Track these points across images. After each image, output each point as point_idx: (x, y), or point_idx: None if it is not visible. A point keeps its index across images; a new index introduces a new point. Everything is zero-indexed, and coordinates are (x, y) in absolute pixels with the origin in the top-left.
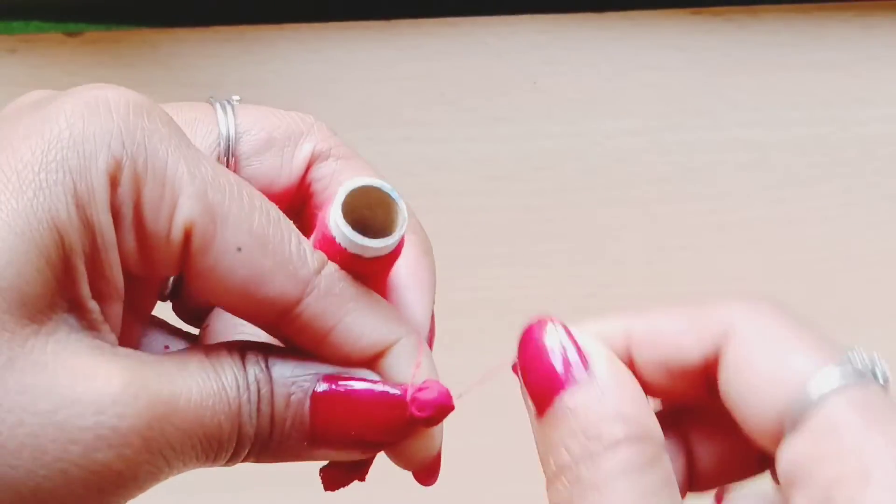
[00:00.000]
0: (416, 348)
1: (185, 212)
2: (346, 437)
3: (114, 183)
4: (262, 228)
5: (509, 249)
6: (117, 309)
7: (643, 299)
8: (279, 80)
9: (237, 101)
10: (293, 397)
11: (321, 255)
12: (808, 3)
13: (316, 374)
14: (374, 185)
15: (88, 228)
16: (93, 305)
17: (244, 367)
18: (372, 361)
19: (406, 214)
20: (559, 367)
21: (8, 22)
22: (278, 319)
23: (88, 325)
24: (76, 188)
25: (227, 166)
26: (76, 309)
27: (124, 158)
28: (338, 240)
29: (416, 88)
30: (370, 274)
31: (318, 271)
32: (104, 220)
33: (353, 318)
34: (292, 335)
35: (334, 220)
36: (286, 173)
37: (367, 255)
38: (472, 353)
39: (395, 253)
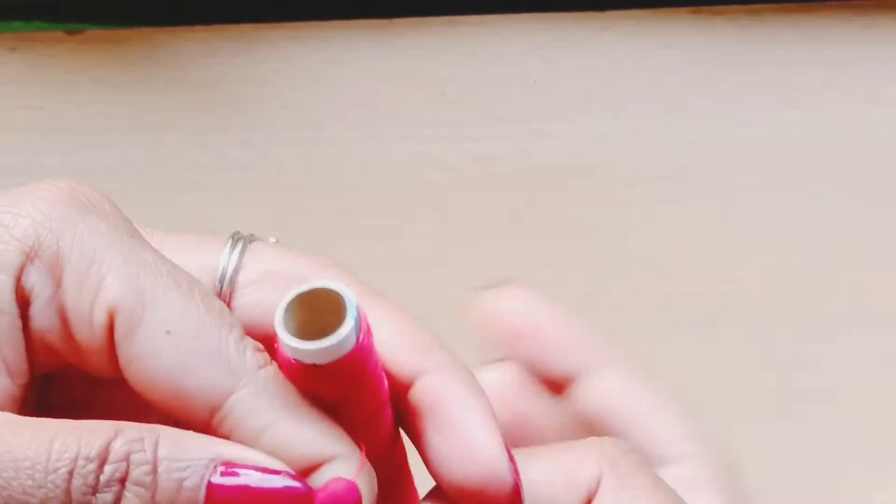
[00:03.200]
0: (353, 469)
1: (110, 294)
2: None
3: (31, 256)
4: (197, 314)
5: (509, 249)
6: (5, 384)
7: (643, 299)
8: (280, 78)
9: (273, 241)
10: (186, 482)
11: (264, 357)
12: (808, 3)
13: (213, 458)
14: (323, 286)
15: None
16: None
17: (108, 444)
18: (304, 475)
19: (355, 314)
20: None
21: (8, 21)
22: (210, 416)
23: None
24: None
25: (221, 293)
26: None
27: (46, 233)
28: (280, 346)
29: (417, 87)
30: (336, 394)
31: (257, 369)
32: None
33: (286, 424)
34: (224, 436)
35: (275, 323)
36: None
37: (305, 359)
38: (471, 353)
39: (346, 363)
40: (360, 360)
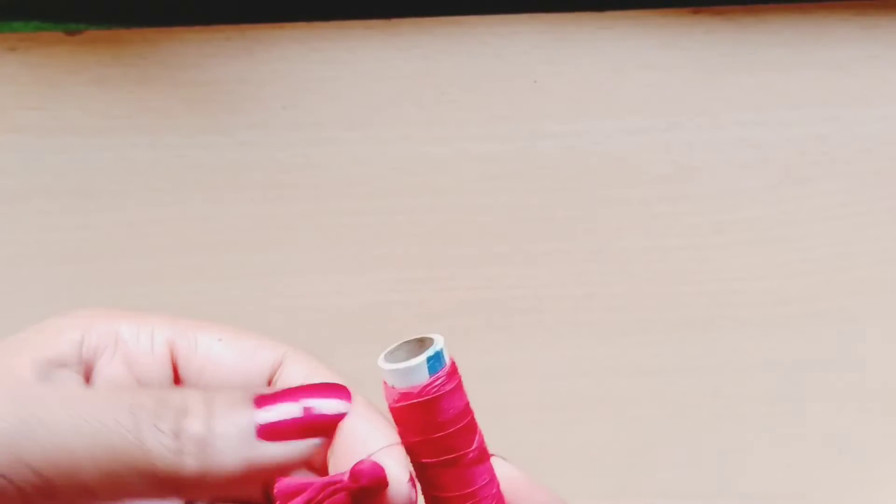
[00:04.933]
0: (305, 360)
1: (162, 335)
2: None
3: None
4: (229, 327)
5: (509, 249)
6: None
7: (643, 299)
8: (280, 79)
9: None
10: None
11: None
12: (808, 3)
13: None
14: (422, 336)
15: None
16: None
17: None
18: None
19: (432, 352)
20: None
21: (8, 21)
22: (270, 380)
23: None
24: (46, 355)
25: None
26: None
27: (83, 333)
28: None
29: (416, 87)
30: (418, 430)
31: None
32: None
33: (315, 377)
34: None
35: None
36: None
37: (388, 381)
38: (472, 353)
39: (416, 394)
40: (430, 396)
